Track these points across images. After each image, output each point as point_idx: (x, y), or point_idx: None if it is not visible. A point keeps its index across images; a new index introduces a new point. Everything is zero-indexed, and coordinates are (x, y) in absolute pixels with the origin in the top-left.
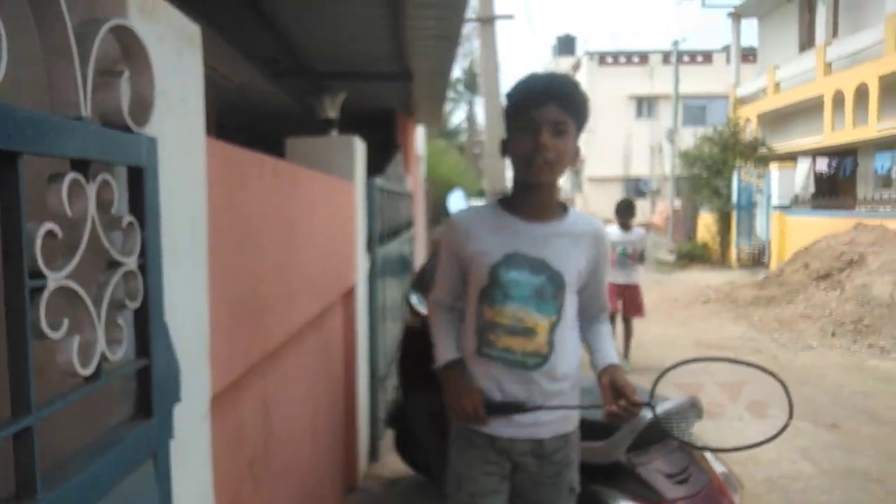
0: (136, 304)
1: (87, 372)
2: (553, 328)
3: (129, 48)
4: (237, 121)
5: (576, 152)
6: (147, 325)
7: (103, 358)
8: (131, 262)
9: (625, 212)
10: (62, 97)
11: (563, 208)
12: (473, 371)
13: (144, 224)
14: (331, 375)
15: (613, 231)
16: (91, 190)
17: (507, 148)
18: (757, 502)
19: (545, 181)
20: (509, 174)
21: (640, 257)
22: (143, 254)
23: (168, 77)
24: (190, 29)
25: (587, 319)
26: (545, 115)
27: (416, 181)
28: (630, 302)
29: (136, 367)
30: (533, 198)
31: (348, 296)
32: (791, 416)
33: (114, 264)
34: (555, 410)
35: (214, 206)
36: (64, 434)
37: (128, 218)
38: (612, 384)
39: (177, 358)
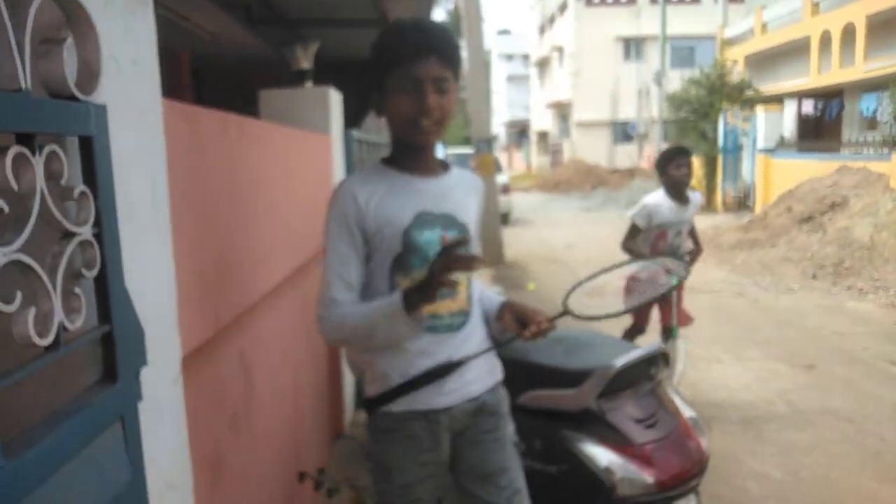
0: (93, 273)
1: (46, 342)
2: (470, 282)
3: (71, 13)
4: (214, 71)
5: (457, 104)
6: (107, 292)
7: (62, 328)
8: (86, 232)
9: (677, 167)
10: None
11: (443, 163)
12: (399, 352)
13: (97, 193)
14: (313, 328)
15: (662, 204)
16: (38, 162)
17: (380, 106)
18: (733, 442)
19: (433, 142)
20: (495, 121)
21: (694, 246)
22: (98, 222)
23: (118, 40)
24: None
25: None
26: (427, 71)
27: None
28: (670, 306)
29: (96, 334)
30: (420, 155)
31: None
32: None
33: (68, 235)
34: (480, 364)
35: (176, 169)
36: (33, 402)
37: (80, 188)
38: (513, 312)
39: (139, 322)
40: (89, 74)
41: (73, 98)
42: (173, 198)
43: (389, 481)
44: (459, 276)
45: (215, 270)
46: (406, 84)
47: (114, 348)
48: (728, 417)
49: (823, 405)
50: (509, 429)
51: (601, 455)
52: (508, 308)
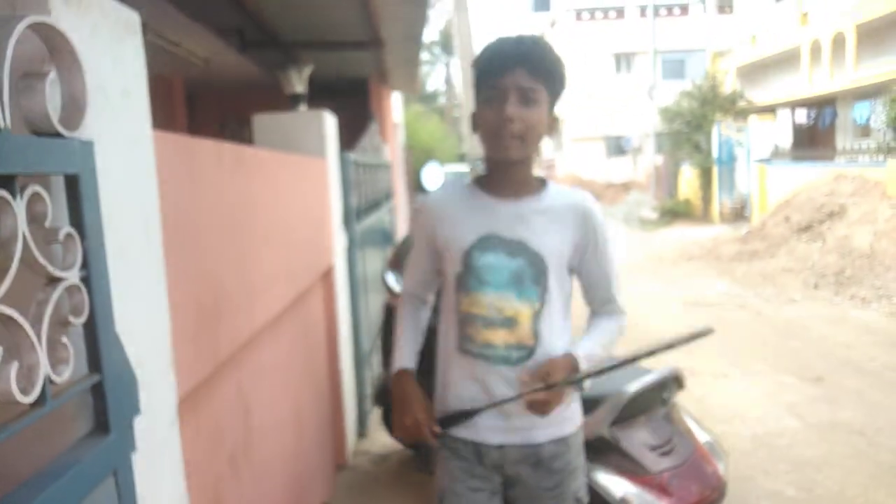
0: (81, 320)
1: (30, 399)
2: (537, 316)
3: (54, 45)
4: (207, 96)
5: (552, 123)
6: (96, 339)
7: (48, 381)
8: (73, 276)
9: None
10: None
11: (541, 182)
12: (454, 372)
13: (85, 233)
14: (313, 357)
15: None
16: (19, 205)
17: (476, 122)
18: (744, 459)
19: (514, 157)
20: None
21: None
22: (85, 265)
23: (106, 71)
24: (127, 16)
25: (592, 315)
26: (511, 80)
27: (394, 150)
28: None
29: (85, 385)
30: (506, 174)
31: (327, 275)
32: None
33: (53, 280)
34: (550, 414)
35: (169, 203)
36: (22, 457)
37: (66, 229)
38: (540, 369)
39: (132, 369)
40: (75, 109)
41: (57, 135)
42: (166, 232)
43: (442, 501)
44: (523, 308)
45: (212, 305)
46: (491, 94)
47: (105, 398)
48: (738, 433)
49: (834, 419)
50: (573, 485)
51: (616, 485)
52: (552, 360)
